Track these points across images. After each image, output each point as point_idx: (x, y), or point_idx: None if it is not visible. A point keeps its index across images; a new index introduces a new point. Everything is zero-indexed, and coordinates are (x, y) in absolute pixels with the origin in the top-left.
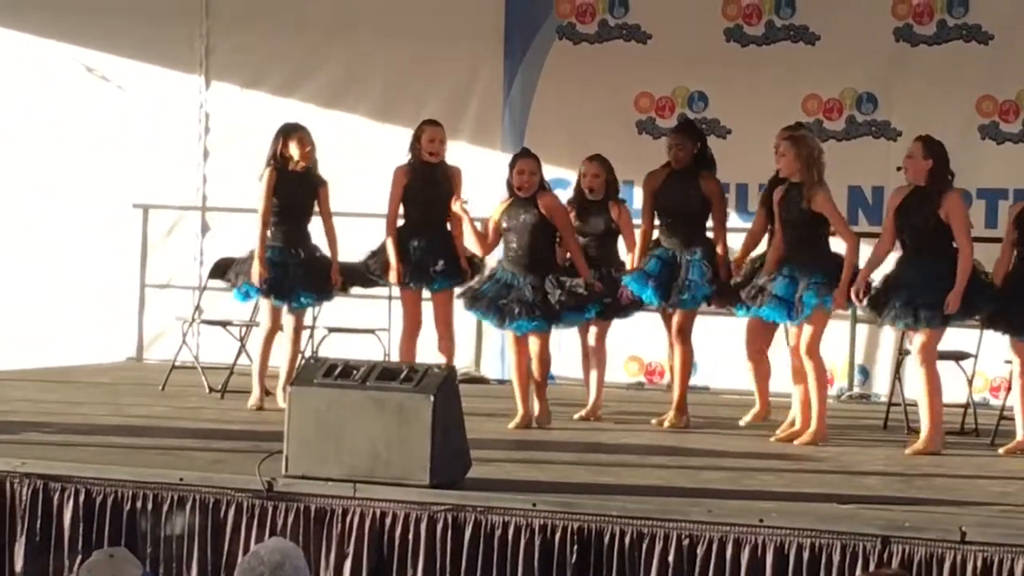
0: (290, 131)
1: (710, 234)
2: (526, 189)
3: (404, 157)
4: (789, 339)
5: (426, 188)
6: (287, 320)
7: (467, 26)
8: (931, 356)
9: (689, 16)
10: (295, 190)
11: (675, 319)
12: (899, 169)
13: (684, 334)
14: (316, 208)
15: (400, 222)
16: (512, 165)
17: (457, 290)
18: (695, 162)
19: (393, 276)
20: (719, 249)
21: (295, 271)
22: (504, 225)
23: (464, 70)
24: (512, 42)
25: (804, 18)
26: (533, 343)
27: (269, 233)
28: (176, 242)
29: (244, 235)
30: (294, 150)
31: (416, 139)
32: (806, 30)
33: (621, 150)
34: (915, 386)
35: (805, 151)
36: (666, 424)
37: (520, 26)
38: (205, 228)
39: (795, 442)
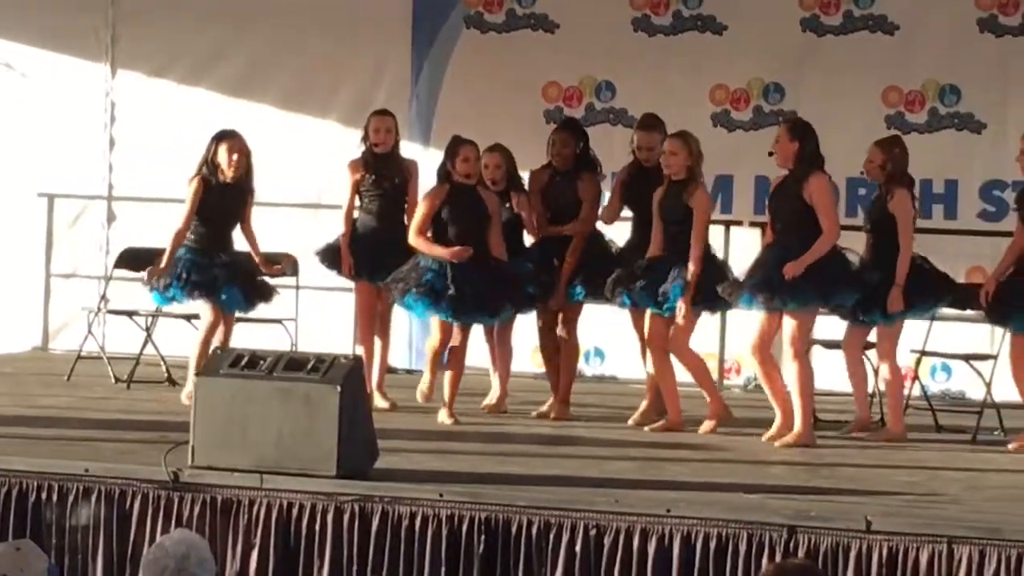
0: (223, 138)
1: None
2: (474, 176)
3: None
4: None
5: (379, 181)
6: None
7: (375, 15)
8: (800, 347)
9: (596, 6)
10: (221, 200)
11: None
12: (770, 155)
13: (566, 328)
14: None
15: (356, 214)
16: (455, 153)
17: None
18: (576, 162)
19: (344, 269)
20: (573, 243)
21: (220, 271)
22: (446, 215)
23: (372, 59)
24: (420, 31)
25: (711, 8)
26: (460, 333)
27: (190, 235)
28: (82, 231)
29: (151, 224)
30: (223, 158)
31: (365, 130)
32: (713, 20)
33: (529, 140)
34: (786, 378)
35: (696, 149)
36: (551, 415)
37: (428, 15)
38: (111, 217)
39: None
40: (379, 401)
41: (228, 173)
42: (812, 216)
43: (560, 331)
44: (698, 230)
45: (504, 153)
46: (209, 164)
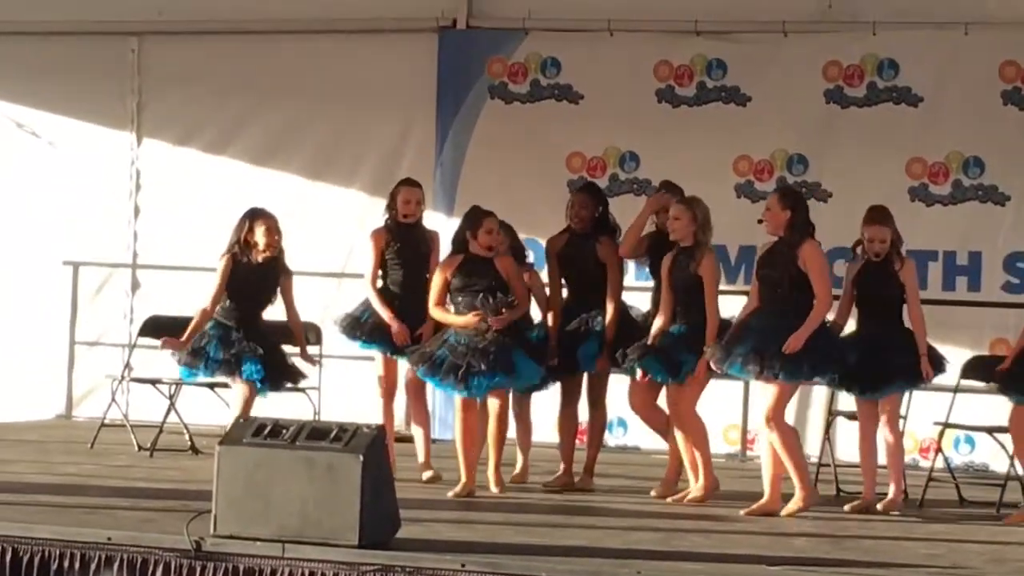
0: (257, 216)
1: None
2: (495, 248)
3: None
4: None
5: (403, 251)
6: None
7: (399, 84)
8: (778, 415)
9: (621, 76)
10: (252, 279)
11: (585, 385)
12: (759, 222)
13: (594, 399)
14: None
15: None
16: (477, 224)
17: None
18: (595, 226)
19: (395, 329)
20: (610, 313)
21: (244, 347)
22: (457, 285)
23: (396, 129)
24: (444, 101)
25: (735, 79)
26: (494, 403)
27: (221, 311)
28: (106, 299)
29: (175, 292)
30: (260, 238)
31: (392, 199)
32: (737, 91)
33: (553, 210)
34: (769, 448)
35: (701, 214)
36: (575, 485)
37: (452, 85)
38: (135, 285)
39: (686, 499)
40: (424, 473)
41: (265, 253)
42: (804, 283)
43: (588, 403)
44: (709, 296)
45: (506, 229)
46: (242, 242)
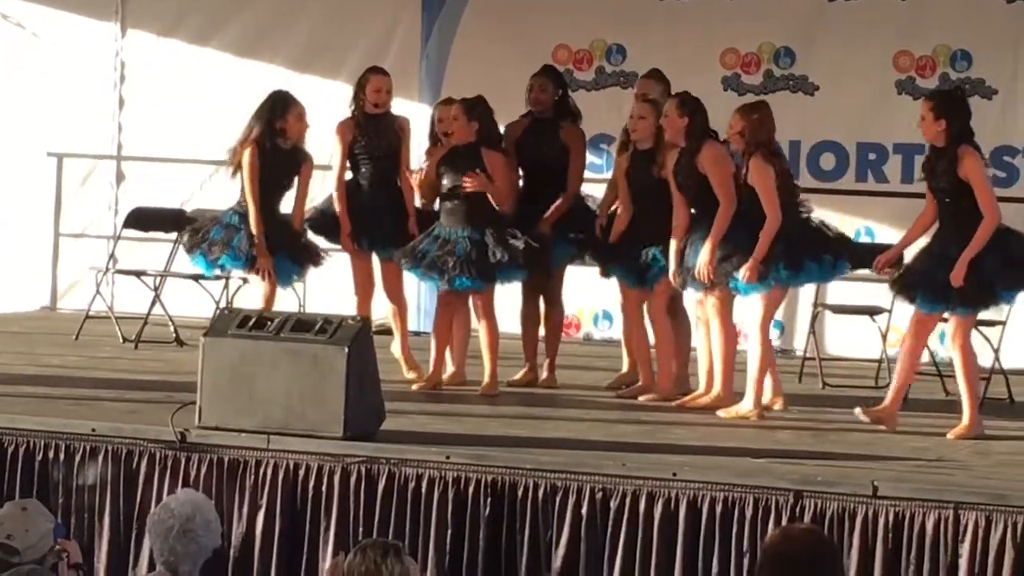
0: (288, 103)
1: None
2: (455, 135)
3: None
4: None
5: (372, 144)
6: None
7: None
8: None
9: None
10: (276, 167)
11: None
12: (658, 129)
13: (552, 296)
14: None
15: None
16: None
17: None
18: (556, 110)
19: (345, 232)
20: (568, 197)
21: (272, 241)
22: (441, 173)
23: (382, 20)
24: None
25: None
26: (476, 301)
27: (240, 203)
28: (91, 191)
29: (160, 184)
30: (293, 126)
31: (360, 88)
32: None
33: None
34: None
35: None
36: (540, 383)
37: None
38: (120, 177)
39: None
40: (405, 372)
41: (295, 140)
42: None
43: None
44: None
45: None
46: (272, 129)
